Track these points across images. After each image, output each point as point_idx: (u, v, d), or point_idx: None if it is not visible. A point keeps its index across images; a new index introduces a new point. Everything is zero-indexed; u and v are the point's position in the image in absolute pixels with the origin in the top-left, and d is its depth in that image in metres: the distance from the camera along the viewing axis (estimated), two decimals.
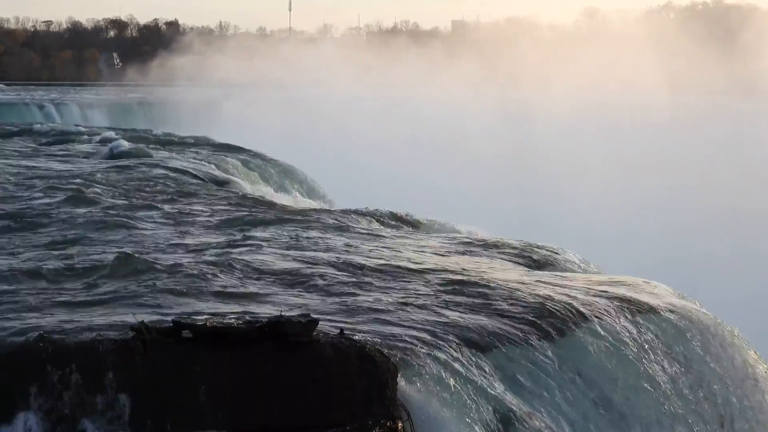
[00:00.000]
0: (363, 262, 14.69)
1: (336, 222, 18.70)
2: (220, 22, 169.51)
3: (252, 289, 12.68)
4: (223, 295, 12.20)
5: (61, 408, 9.01)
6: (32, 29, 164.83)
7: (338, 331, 10.15)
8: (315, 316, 10.09)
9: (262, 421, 9.32)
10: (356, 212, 20.33)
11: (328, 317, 11.20)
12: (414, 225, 20.40)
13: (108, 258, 14.15)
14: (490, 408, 10.32)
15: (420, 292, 12.98)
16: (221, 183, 25.59)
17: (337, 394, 9.51)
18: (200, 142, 36.63)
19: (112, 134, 37.95)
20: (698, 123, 67.50)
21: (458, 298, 12.68)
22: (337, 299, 12.45)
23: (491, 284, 13.45)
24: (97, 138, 36.47)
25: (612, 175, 55.04)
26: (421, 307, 12.21)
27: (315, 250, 15.32)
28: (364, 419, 9.49)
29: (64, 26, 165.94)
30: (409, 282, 13.57)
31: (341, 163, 48.79)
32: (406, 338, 10.91)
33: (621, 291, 13.61)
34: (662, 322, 12.94)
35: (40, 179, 22.99)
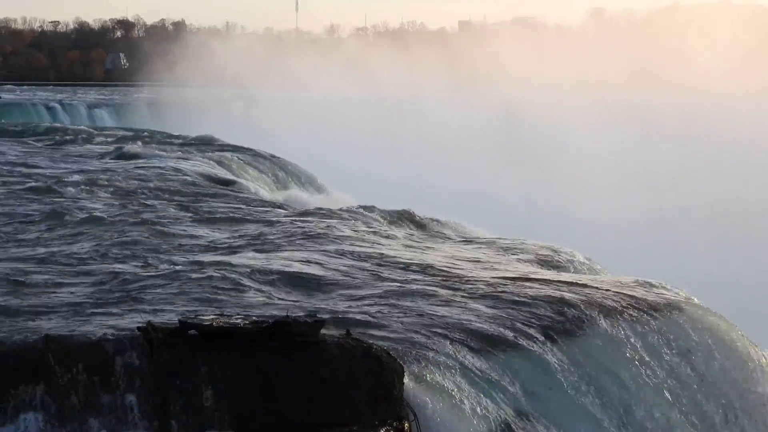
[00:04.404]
0: (370, 262, 14.71)
1: (342, 222, 18.71)
2: (227, 22, 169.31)
3: (258, 289, 12.69)
4: (230, 295, 12.22)
5: (68, 408, 9.02)
6: (39, 29, 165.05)
7: (345, 331, 10.15)
8: (322, 316, 10.10)
9: (269, 421, 9.32)
10: (363, 212, 20.34)
11: (335, 317, 11.21)
12: (421, 225, 20.42)
13: (114, 257, 14.19)
14: (497, 409, 10.32)
15: (427, 292, 12.98)
16: (227, 183, 25.60)
17: (344, 395, 9.52)
18: (206, 143, 36.66)
19: (118, 134, 38.01)
20: (696, 123, 67.59)
21: (466, 298, 12.68)
22: (343, 299, 12.46)
23: (499, 285, 13.45)
24: (104, 138, 36.53)
25: (614, 177, 54.96)
26: (427, 307, 12.21)
27: (320, 250, 15.33)
28: (370, 419, 9.49)
29: (71, 26, 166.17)
30: (417, 282, 13.57)
31: (344, 164, 48.75)
32: (413, 338, 10.91)
33: (628, 291, 13.59)
34: (671, 321, 12.93)
35: (47, 179, 23.03)
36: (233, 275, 13.29)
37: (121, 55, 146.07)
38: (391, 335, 10.87)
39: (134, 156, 29.81)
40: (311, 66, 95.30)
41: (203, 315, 10.29)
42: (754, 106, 68.69)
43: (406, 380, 9.84)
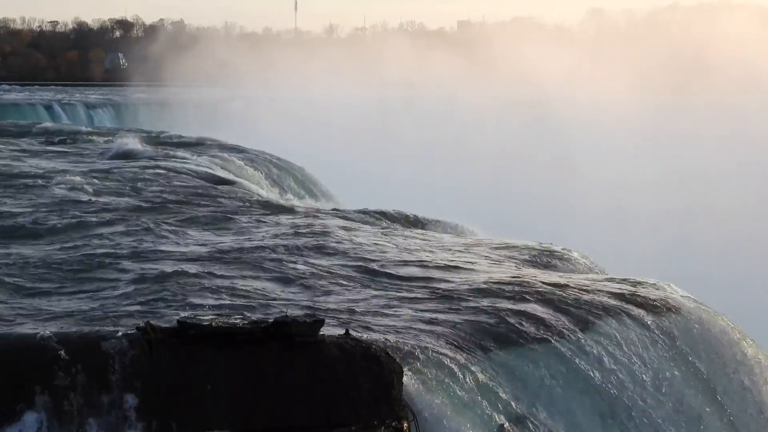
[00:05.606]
0: (369, 262, 14.71)
1: (341, 222, 18.71)
2: (226, 22, 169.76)
3: (258, 288, 12.69)
4: (229, 295, 12.22)
5: (67, 407, 9.02)
6: (38, 29, 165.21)
7: (344, 331, 10.15)
8: (321, 315, 10.10)
9: (268, 422, 9.32)
10: (361, 213, 20.35)
11: (334, 317, 11.22)
12: (420, 225, 20.42)
13: (113, 258, 14.19)
14: (496, 409, 10.32)
15: (426, 292, 12.99)
16: (226, 183, 25.59)
17: (343, 395, 9.52)
18: (206, 143, 36.65)
19: (117, 134, 38.02)
20: (700, 124, 67.73)
21: (465, 298, 12.68)
22: (342, 299, 12.46)
23: (497, 285, 13.45)
24: (103, 138, 36.52)
25: (616, 177, 54.99)
26: (426, 307, 12.22)
27: (320, 250, 15.33)
28: (369, 419, 9.49)
29: (70, 26, 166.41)
30: (416, 282, 13.57)
31: (344, 164, 48.77)
32: (412, 338, 10.92)
33: (627, 291, 13.59)
34: (669, 321, 12.93)
35: (45, 179, 23.02)
36: (233, 275, 13.30)
37: (120, 55, 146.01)
38: (391, 335, 10.87)
39: (133, 156, 29.79)
40: (310, 66, 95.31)
41: (202, 315, 10.29)
42: (760, 106, 68.79)
43: (405, 380, 9.85)
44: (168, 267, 13.49)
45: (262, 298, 12.22)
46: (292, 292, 12.71)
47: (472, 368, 10.68)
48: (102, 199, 20.13)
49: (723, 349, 13.06)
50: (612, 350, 11.98)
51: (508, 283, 13.56)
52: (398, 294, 12.86)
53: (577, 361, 11.57)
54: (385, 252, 15.64)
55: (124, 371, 9.23)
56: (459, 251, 16.46)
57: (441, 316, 11.85)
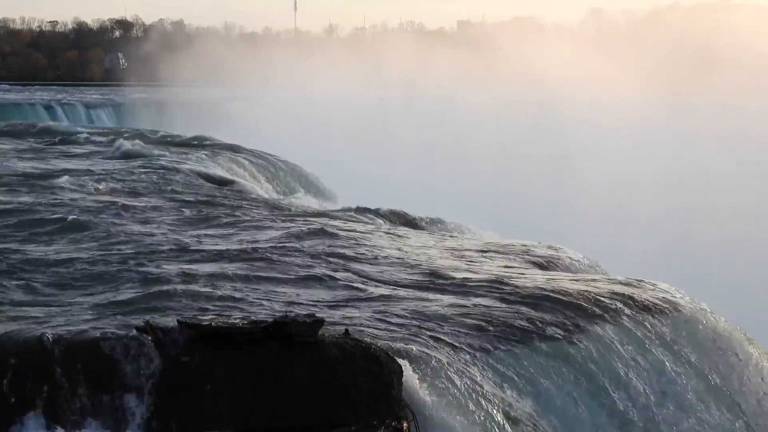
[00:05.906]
0: (369, 262, 14.71)
1: (339, 222, 18.71)
2: (226, 22, 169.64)
3: (257, 289, 12.69)
4: (229, 295, 12.21)
5: (67, 407, 9.02)
6: (38, 29, 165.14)
7: (344, 331, 10.15)
8: (320, 316, 10.10)
9: (268, 421, 9.32)
10: (362, 212, 20.35)
11: (334, 317, 11.21)
12: (419, 225, 20.43)
13: (113, 258, 14.19)
14: (496, 408, 10.32)
15: (426, 293, 12.99)
16: (225, 183, 25.61)
17: (343, 395, 9.52)
18: (205, 143, 36.66)
19: (116, 134, 38.02)
20: (692, 121, 67.88)
21: (464, 299, 12.68)
22: (343, 299, 12.46)
23: (496, 285, 13.45)
24: (102, 138, 36.53)
25: (614, 174, 54.94)
26: (426, 307, 12.21)
27: (320, 250, 15.33)
28: (369, 419, 9.49)
29: (70, 26, 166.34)
30: (415, 282, 13.57)
31: (344, 164, 48.71)
32: (412, 338, 10.91)
33: (626, 291, 13.59)
34: (667, 321, 12.94)
35: (45, 180, 23.02)
36: (231, 276, 13.29)
37: (120, 55, 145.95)
38: (390, 335, 10.86)
39: (132, 156, 29.81)
40: (310, 66, 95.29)
41: (202, 315, 10.29)
42: (760, 106, 68.77)
43: (404, 380, 9.84)
44: (167, 266, 13.49)
45: (261, 298, 12.21)
46: (292, 293, 12.70)
47: (473, 368, 10.68)
48: (100, 199, 20.12)
49: (724, 349, 13.06)
50: (614, 351, 11.97)
51: (509, 284, 13.55)
52: (398, 294, 12.86)
53: (577, 361, 11.57)
54: (383, 252, 15.63)
55: (124, 371, 9.23)
56: (458, 251, 16.46)
57: (440, 316, 11.85)
